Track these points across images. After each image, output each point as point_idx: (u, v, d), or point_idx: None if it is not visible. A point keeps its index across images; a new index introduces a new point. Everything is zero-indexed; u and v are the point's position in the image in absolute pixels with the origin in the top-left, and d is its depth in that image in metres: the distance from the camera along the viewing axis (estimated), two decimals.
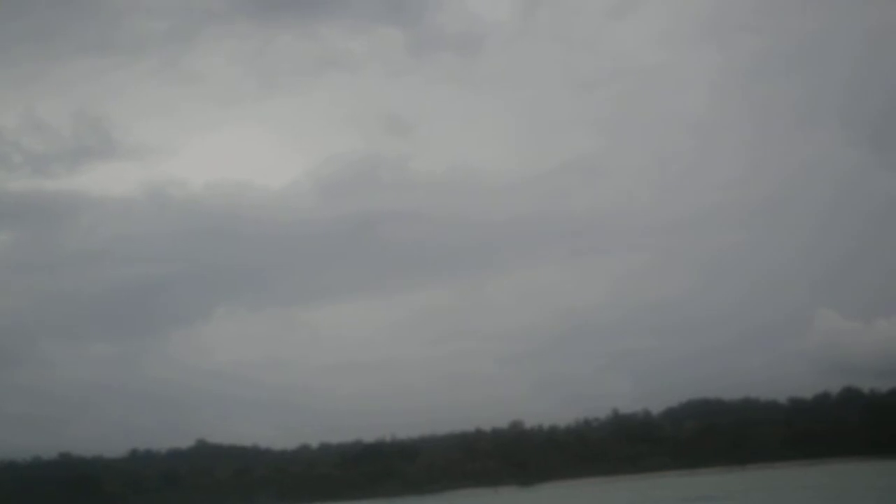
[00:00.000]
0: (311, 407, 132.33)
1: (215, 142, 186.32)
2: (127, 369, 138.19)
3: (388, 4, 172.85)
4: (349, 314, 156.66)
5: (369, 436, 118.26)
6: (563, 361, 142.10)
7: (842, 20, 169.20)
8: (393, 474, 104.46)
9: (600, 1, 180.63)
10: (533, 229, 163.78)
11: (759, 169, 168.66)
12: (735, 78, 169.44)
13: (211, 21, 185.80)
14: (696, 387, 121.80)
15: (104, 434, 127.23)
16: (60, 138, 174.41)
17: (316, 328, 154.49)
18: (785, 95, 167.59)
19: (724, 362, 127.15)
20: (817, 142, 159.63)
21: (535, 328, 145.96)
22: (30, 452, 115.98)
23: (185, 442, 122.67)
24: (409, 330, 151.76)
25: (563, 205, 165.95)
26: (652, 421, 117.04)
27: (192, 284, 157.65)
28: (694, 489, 73.03)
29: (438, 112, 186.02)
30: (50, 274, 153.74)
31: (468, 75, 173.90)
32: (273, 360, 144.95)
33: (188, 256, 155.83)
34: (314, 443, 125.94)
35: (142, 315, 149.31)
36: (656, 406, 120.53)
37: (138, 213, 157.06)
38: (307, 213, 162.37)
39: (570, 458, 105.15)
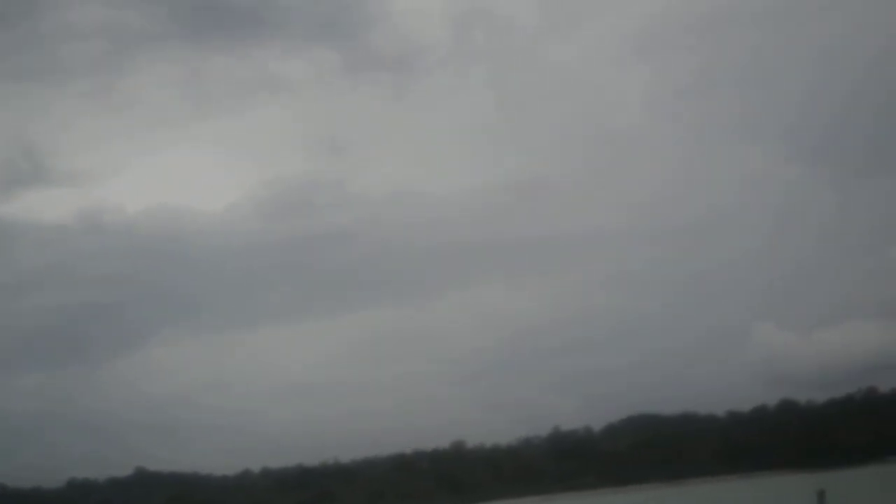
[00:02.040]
0: (253, 431, 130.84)
1: (152, 166, 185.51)
2: (63, 399, 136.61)
3: (322, 26, 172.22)
4: (290, 337, 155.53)
5: (312, 459, 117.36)
6: (507, 381, 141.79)
7: (787, 36, 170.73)
8: (330, 498, 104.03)
9: (533, 20, 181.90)
10: (472, 250, 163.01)
11: (698, 184, 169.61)
12: (671, 95, 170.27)
13: (144, 44, 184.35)
14: (637, 402, 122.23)
15: (41, 465, 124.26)
16: None
17: (257, 352, 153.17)
18: (723, 112, 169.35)
19: (665, 376, 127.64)
20: (757, 157, 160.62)
21: (479, 348, 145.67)
22: None
23: (124, 471, 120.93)
24: (352, 353, 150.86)
25: (501, 224, 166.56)
26: (591, 437, 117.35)
27: (130, 311, 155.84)
28: None
29: (376, 133, 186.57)
30: None
31: (404, 95, 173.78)
32: (213, 384, 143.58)
33: (125, 283, 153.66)
34: (256, 467, 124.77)
35: (77, 343, 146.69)
36: (598, 422, 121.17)
37: (73, 240, 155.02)
38: (246, 237, 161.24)
39: (506, 477, 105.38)
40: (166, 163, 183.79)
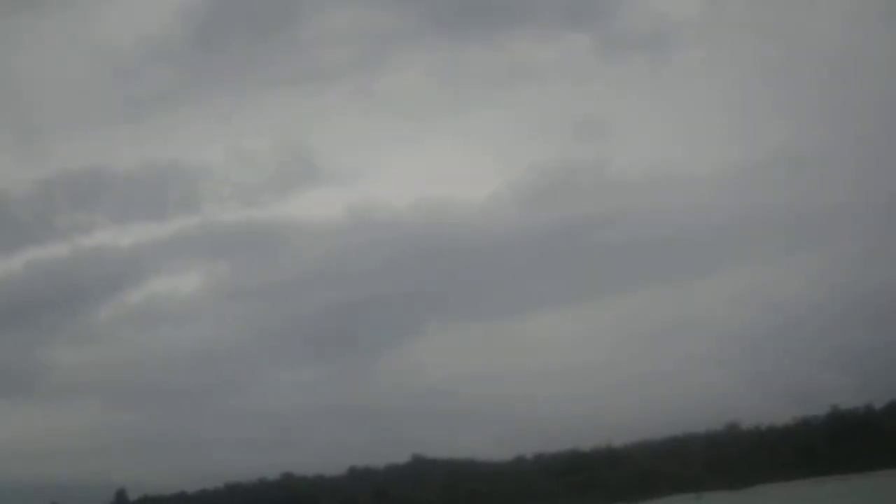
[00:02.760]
0: (526, 417, 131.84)
1: (414, 160, 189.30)
2: (342, 390, 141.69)
3: (571, 11, 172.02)
4: (559, 322, 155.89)
5: (585, 444, 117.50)
6: (782, 360, 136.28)
7: None
8: (596, 483, 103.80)
9: None
10: (741, 225, 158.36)
11: None
12: None
13: (399, 41, 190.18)
14: None
15: (325, 453, 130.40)
16: (265, 169, 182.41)
17: (526, 338, 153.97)
18: None
19: None
20: None
21: (750, 328, 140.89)
22: (255, 474, 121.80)
23: (401, 458, 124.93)
24: (620, 335, 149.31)
25: (768, 200, 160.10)
26: (872, 415, 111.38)
27: (401, 303, 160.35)
28: None
29: (632, 113, 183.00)
30: (263, 300, 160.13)
31: (659, 73, 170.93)
32: (486, 372, 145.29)
33: (395, 276, 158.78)
34: (529, 453, 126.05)
35: (353, 337, 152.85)
36: (880, 400, 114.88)
37: (344, 236, 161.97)
38: (510, 224, 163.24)
39: (783, 460, 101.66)
40: (428, 156, 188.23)
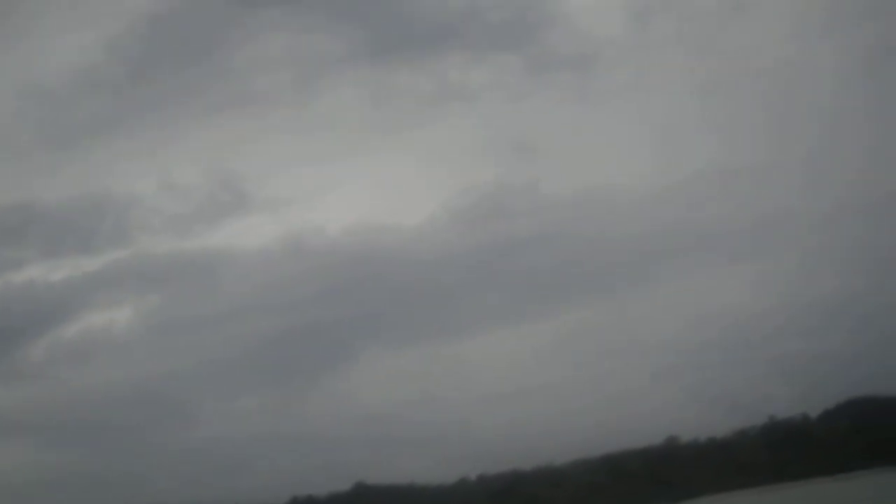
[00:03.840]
0: (467, 439, 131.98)
1: (348, 186, 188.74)
2: (281, 418, 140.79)
3: (502, 32, 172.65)
4: (496, 343, 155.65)
5: (526, 464, 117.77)
6: (720, 372, 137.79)
7: None
8: (538, 503, 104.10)
9: (714, 2, 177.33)
10: (671, 241, 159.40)
11: None
12: (862, 65, 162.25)
13: (331, 67, 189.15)
14: (857, 385, 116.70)
15: (265, 484, 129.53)
16: (197, 198, 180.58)
17: (464, 360, 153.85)
18: None
19: (885, 358, 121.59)
20: None
21: (687, 341, 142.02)
22: None
23: (343, 485, 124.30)
24: (558, 354, 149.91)
25: (704, 212, 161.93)
26: (807, 425, 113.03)
27: (338, 329, 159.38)
28: (847, 495, 70.42)
29: (563, 132, 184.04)
30: (198, 331, 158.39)
31: (588, 92, 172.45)
32: (425, 395, 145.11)
33: (331, 302, 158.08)
34: (472, 475, 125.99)
35: (291, 363, 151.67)
36: (816, 409, 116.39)
37: (278, 263, 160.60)
38: (445, 247, 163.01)
39: (720, 472, 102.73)
40: (361, 181, 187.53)
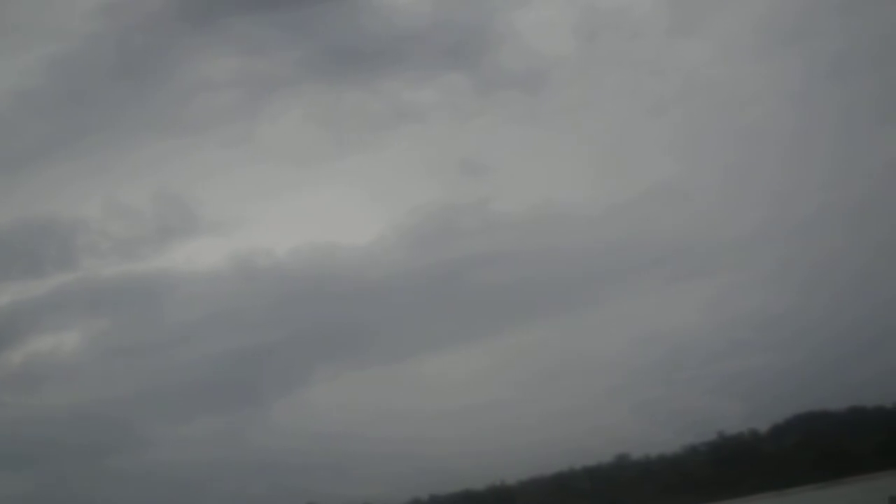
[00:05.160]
0: (420, 458, 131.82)
1: (296, 207, 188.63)
2: (233, 442, 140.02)
3: (449, 51, 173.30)
4: (447, 363, 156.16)
5: (479, 483, 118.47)
6: (669, 389, 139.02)
7: None
8: None
9: (663, 21, 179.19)
10: (621, 259, 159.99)
11: (847, 172, 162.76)
12: (809, 83, 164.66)
13: (277, 89, 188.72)
14: (804, 400, 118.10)
15: None
16: (144, 221, 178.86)
17: (415, 380, 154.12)
18: (863, 97, 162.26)
19: (833, 371, 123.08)
20: None
21: (637, 359, 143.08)
22: None
23: None
24: (510, 373, 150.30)
25: (649, 231, 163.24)
26: (755, 440, 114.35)
27: (289, 351, 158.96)
28: None
29: (512, 151, 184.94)
30: (148, 354, 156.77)
31: (538, 111, 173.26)
32: (376, 415, 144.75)
33: (281, 323, 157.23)
34: (424, 495, 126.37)
35: (242, 386, 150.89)
36: (764, 424, 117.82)
37: (227, 285, 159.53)
38: (395, 268, 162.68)
39: (671, 488, 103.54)
40: (310, 202, 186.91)
